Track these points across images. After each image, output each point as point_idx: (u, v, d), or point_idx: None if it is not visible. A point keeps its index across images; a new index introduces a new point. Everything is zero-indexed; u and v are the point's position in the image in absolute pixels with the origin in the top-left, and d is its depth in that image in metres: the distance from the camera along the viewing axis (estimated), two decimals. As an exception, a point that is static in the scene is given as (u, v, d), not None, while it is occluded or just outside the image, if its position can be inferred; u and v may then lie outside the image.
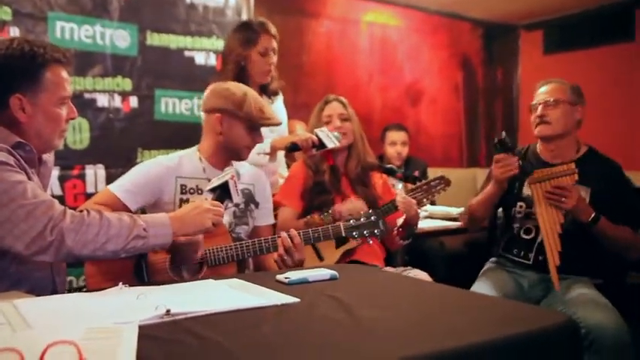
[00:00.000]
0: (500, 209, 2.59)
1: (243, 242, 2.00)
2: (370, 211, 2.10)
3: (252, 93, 2.18)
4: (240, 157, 2.22)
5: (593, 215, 2.24)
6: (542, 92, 2.46)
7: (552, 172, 2.30)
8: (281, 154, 2.94)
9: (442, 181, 2.55)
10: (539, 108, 2.41)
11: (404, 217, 2.50)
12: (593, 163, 2.41)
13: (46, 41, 1.99)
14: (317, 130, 2.53)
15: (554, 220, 2.26)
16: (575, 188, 2.25)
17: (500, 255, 2.52)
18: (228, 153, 2.19)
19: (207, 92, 2.23)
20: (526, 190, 2.43)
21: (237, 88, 2.19)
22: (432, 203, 3.82)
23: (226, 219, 2.19)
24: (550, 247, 2.24)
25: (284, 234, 2.01)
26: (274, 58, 2.82)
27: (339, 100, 2.71)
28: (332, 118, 2.64)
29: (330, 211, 2.46)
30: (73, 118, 1.73)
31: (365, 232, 2.07)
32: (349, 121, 2.65)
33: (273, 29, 2.82)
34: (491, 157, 2.42)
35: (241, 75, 2.78)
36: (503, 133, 2.37)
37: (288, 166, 3.12)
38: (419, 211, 2.52)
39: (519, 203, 2.45)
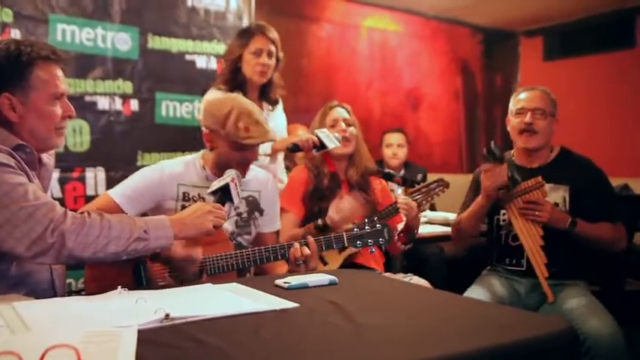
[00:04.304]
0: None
1: (244, 251, 1.98)
2: (375, 218, 2.09)
3: (239, 109, 2.07)
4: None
5: (570, 221, 2.27)
6: (529, 98, 2.44)
7: (521, 189, 2.33)
8: (280, 157, 2.95)
9: (441, 184, 2.56)
10: (528, 115, 2.40)
11: (404, 221, 2.50)
12: (569, 161, 2.44)
13: (36, 40, 1.97)
14: (317, 131, 2.53)
15: (533, 234, 2.29)
16: (547, 201, 2.29)
17: (495, 265, 2.52)
18: (224, 168, 2.12)
19: (202, 104, 2.22)
20: None
21: (223, 104, 2.12)
22: (432, 208, 3.83)
23: (229, 228, 2.18)
24: (536, 261, 2.27)
25: (297, 244, 1.99)
26: (268, 61, 2.80)
27: (343, 106, 2.72)
28: (337, 122, 2.64)
29: (325, 219, 2.45)
30: (70, 116, 1.70)
31: (369, 241, 2.04)
32: (353, 127, 2.66)
33: (270, 32, 2.82)
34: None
35: (237, 76, 2.79)
36: (492, 143, 2.38)
37: (288, 169, 3.12)
38: (419, 215, 2.52)
39: (502, 211, 2.45)
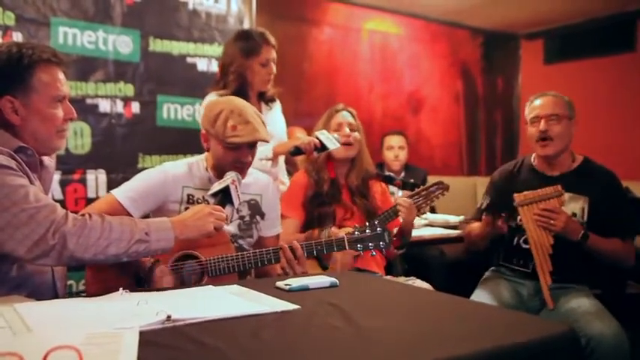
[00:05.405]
0: None
1: (245, 253, 1.97)
2: (376, 222, 2.08)
3: (230, 108, 2.05)
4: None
5: (582, 233, 2.26)
6: (542, 105, 2.44)
7: (539, 195, 2.30)
8: (282, 160, 2.95)
9: (441, 187, 2.56)
10: (542, 122, 2.39)
11: (399, 225, 2.50)
12: (590, 172, 2.43)
13: (38, 43, 1.97)
14: (317, 133, 2.53)
15: (543, 241, 2.28)
16: (563, 210, 2.27)
17: (500, 265, 2.52)
18: (219, 169, 2.13)
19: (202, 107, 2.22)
20: None
21: (217, 104, 2.12)
22: (432, 211, 3.83)
23: (231, 231, 2.18)
24: (542, 268, 2.26)
25: (285, 245, 1.98)
26: (274, 68, 2.84)
27: (348, 110, 2.72)
28: (342, 126, 2.64)
29: (329, 229, 2.45)
30: (72, 119, 1.70)
31: (370, 244, 2.02)
32: (357, 132, 2.66)
33: (272, 39, 2.84)
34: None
35: (242, 84, 2.79)
36: (485, 203, 2.46)
37: (289, 173, 3.12)
38: (419, 218, 2.52)
39: (519, 216, 2.42)
